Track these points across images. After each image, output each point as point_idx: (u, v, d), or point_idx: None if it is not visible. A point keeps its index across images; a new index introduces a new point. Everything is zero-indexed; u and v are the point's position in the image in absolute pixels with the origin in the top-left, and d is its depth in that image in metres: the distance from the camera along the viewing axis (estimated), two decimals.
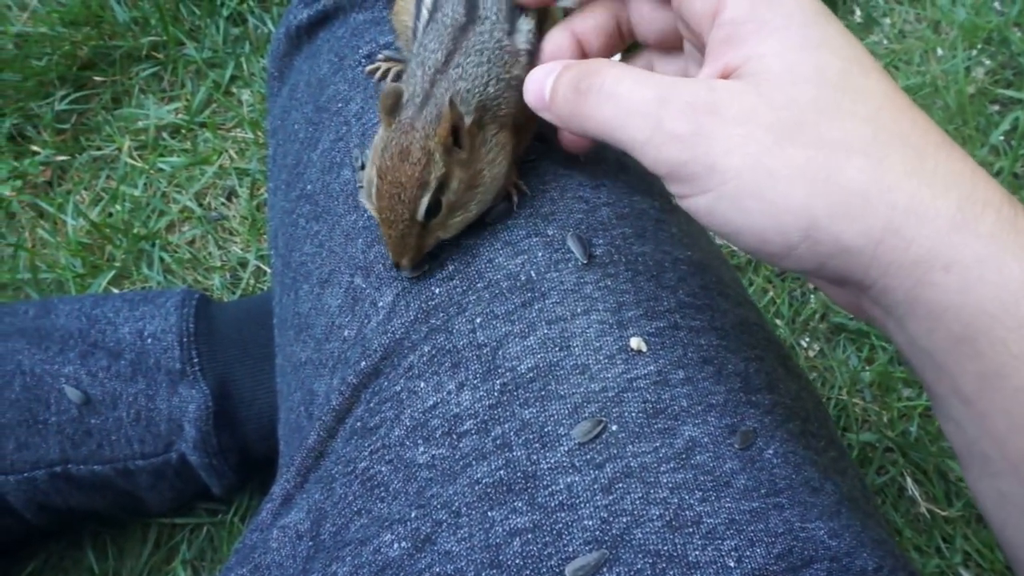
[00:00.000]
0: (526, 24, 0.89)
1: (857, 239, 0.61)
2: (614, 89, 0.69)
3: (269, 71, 1.26)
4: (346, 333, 0.92)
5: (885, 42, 2.05)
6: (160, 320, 1.31)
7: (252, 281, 1.72)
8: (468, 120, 0.82)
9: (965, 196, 0.60)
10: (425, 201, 0.81)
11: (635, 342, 0.82)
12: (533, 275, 0.86)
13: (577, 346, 0.82)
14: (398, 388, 0.85)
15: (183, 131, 1.92)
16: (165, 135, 1.92)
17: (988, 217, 0.59)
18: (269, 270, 1.72)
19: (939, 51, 2.00)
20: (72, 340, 1.28)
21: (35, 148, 1.89)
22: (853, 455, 1.57)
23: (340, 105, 1.04)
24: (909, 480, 1.56)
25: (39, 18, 2.02)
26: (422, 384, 0.84)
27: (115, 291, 1.69)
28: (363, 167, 0.98)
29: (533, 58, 0.88)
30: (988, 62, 1.98)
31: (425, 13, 0.90)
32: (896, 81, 1.91)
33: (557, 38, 0.85)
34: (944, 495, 1.54)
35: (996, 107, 1.93)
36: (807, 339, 1.72)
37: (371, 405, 0.87)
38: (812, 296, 1.75)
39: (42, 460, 1.21)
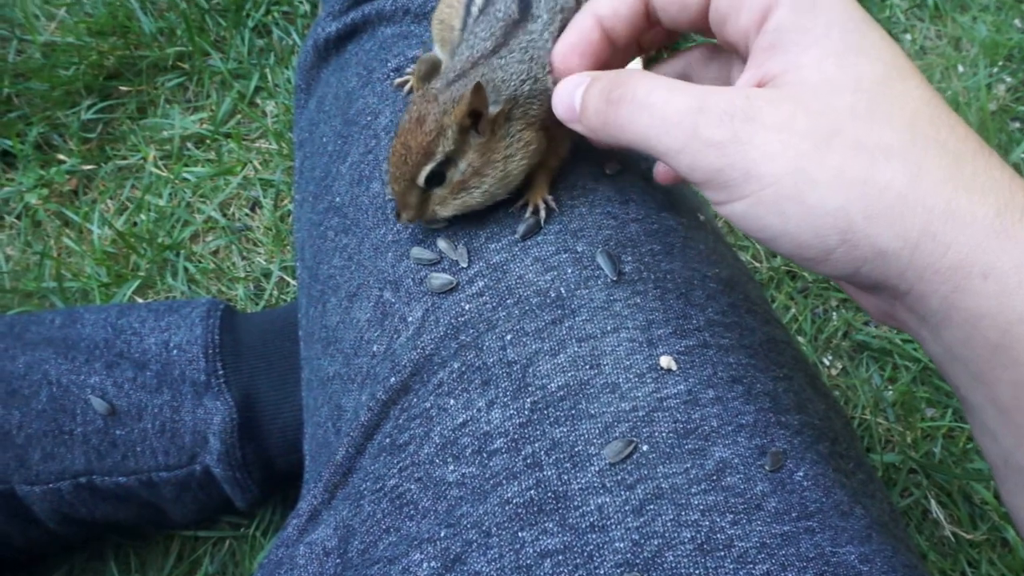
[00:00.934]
0: None
1: (894, 242, 0.60)
2: (647, 99, 0.69)
3: (296, 83, 1.26)
4: (375, 348, 0.91)
5: None
6: (185, 331, 1.30)
7: (276, 292, 1.71)
8: (495, 110, 0.83)
9: (1004, 202, 0.59)
10: (427, 169, 0.83)
11: (665, 360, 0.81)
12: (563, 292, 0.85)
13: (607, 364, 0.82)
14: (428, 405, 0.85)
15: (208, 141, 1.92)
16: (190, 145, 1.92)
17: None
18: (293, 281, 1.72)
19: (960, 68, 1.99)
20: (98, 350, 1.28)
21: (61, 157, 1.89)
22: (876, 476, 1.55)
23: (369, 118, 1.03)
24: (933, 502, 1.54)
25: (66, 28, 2.03)
26: (452, 401, 0.83)
27: (140, 300, 1.69)
28: None
29: None
30: (1009, 79, 1.97)
31: (475, 10, 0.91)
32: None
33: (581, 21, 0.83)
34: (969, 518, 1.52)
35: (1017, 124, 1.92)
36: (829, 357, 1.70)
37: (400, 422, 0.86)
38: (834, 314, 1.73)
39: (67, 471, 1.21)
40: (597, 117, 0.74)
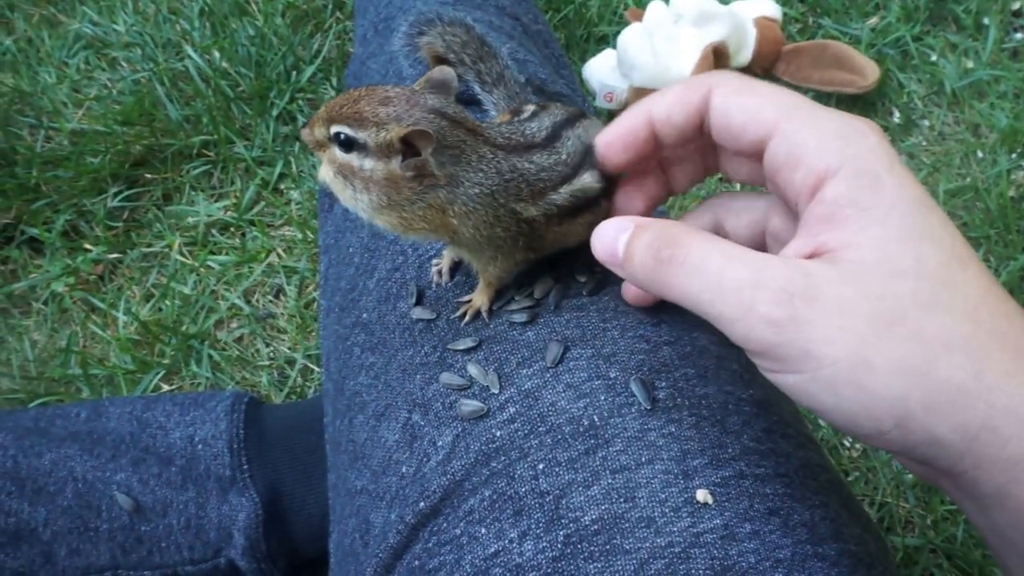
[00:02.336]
0: (589, 179, 0.88)
1: (951, 434, 0.60)
2: (702, 264, 0.67)
3: (321, 187, 1.26)
4: (404, 470, 0.90)
5: (924, 143, 2.04)
6: (210, 425, 1.29)
7: (299, 380, 1.70)
8: (425, 155, 0.79)
9: None
10: (343, 129, 0.80)
11: (701, 495, 0.79)
12: (596, 420, 0.84)
13: (642, 497, 0.80)
14: (458, 532, 0.83)
15: (232, 228, 1.93)
16: (214, 232, 1.93)
17: None
18: (317, 368, 1.71)
19: (979, 154, 1.99)
20: (124, 445, 1.26)
21: (87, 246, 1.89)
22: (897, 557, 1.52)
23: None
24: None
25: (94, 116, 2.05)
26: (483, 530, 0.82)
27: (165, 387, 1.69)
28: (416, 300, 0.97)
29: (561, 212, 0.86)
30: None
31: (529, 111, 0.92)
32: (938, 184, 1.92)
33: (633, 116, 0.81)
34: None
35: None
36: (849, 439, 1.68)
37: (430, 545, 0.84)
38: None
39: (93, 566, 1.19)
40: (644, 271, 0.72)
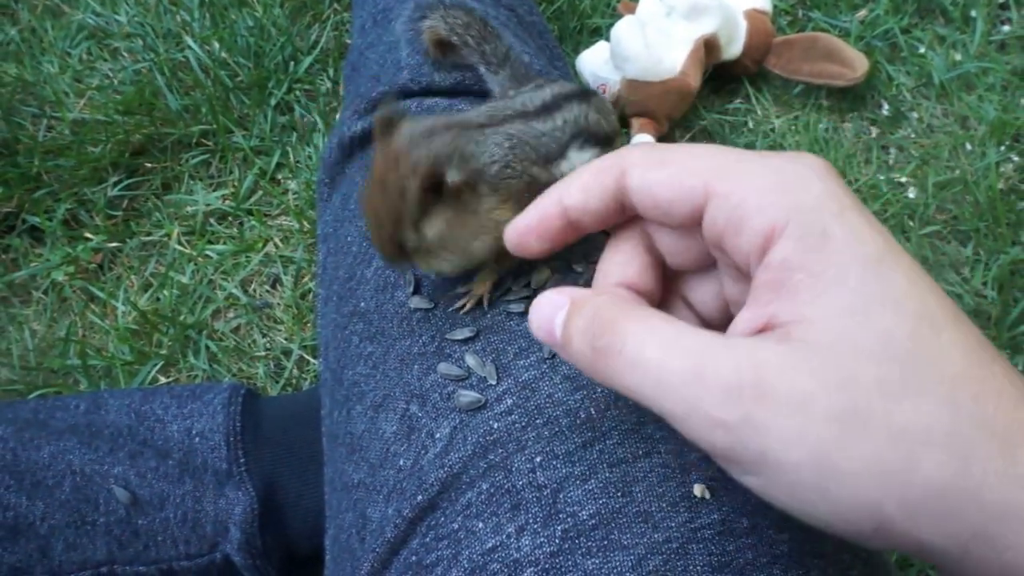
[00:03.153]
0: (583, 156, 0.86)
1: (939, 540, 0.51)
2: (639, 356, 0.57)
3: (320, 177, 1.23)
4: (401, 462, 0.87)
5: (913, 136, 2.01)
6: (208, 419, 1.26)
7: (296, 371, 1.67)
8: (454, 177, 0.76)
9: None
10: (401, 235, 0.77)
11: (698, 489, 0.77)
12: (593, 412, 0.81)
13: (639, 492, 0.77)
14: (455, 526, 0.81)
15: (230, 217, 1.90)
16: (212, 221, 1.90)
17: None
18: (313, 360, 1.68)
19: (968, 146, 1.96)
20: (122, 438, 1.24)
21: (88, 235, 1.86)
22: (893, 558, 1.50)
23: None
24: None
25: (95, 106, 2.02)
26: (480, 524, 0.79)
27: (162, 379, 1.66)
28: (414, 289, 0.95)
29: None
30: (1016, 159, 1.94)
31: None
32: (927, 177, 1.89)
33: (545, 206, 0.70)
34: None
35: None
36: None
37: (427, 540, 0.82)
38: None
39: (88, 561, 1.16)
40: (583, 359, 0.61)
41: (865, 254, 0.54)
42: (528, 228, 0.71)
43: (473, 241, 0.80)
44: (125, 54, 2.17)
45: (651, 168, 0.64)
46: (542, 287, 0.90)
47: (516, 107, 0.85)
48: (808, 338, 0.53)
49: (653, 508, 0.76)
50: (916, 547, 0.52)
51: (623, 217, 0.69)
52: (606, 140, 0.89)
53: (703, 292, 0.71)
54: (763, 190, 0.58)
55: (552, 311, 0.65)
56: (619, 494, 0.77)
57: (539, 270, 0.91)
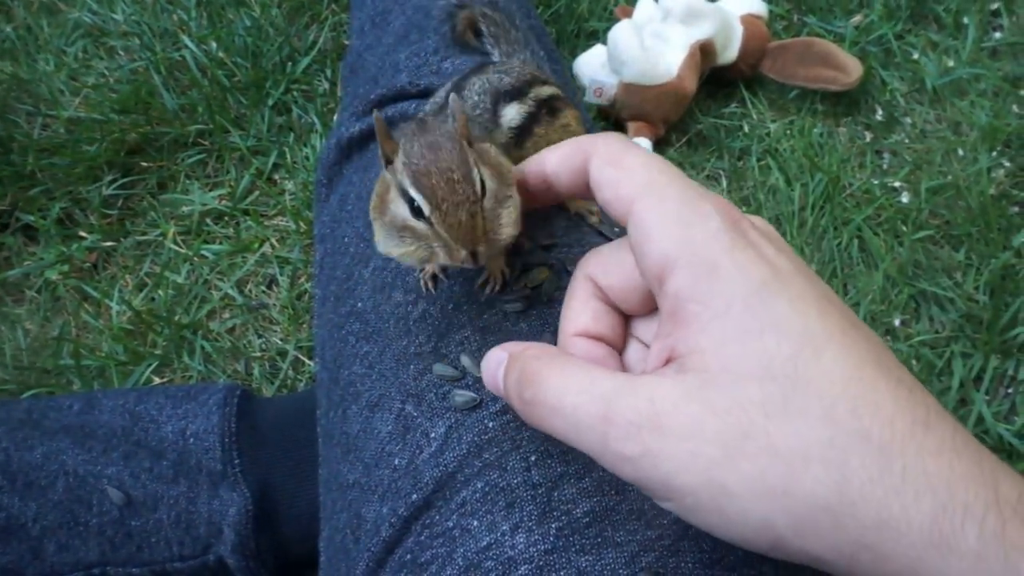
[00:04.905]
0: (511, 111, 0.91)
1: (828, 553, 0.53)
2: (558, 404, 0.61)
3: (318, 178, 1.24)
4: (396, 462, 0.88)
5: (907, 141, 2.02)
6: (202, 419, 1.27)
7: (291, 372, 1.67)
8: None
9: (940, 505, 0.51)
10: (477, 175, 0.74)
11: None
12: None
13: (632, 490, 0.78)
14: (450, 524, 0.81)
15: (226, 218, 1.90)
16: (209, 221, 1.89)
17: (970, 531, 0.50)
18: (308, 361, 1.68)
19: (960, 151, 1.97)
20: (116, 439, 1.24)
21: (82, 233, 1.86)
22: None
23: None
24: None
25: (91, 104, 2.01)
26: (475, 523, 0.80)
27: (156, 380, 1.66)
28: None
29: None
30: (1008, 164, 1.95)
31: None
32: (920, 182, 1.90)
33: (532, 167, 0.78)
34: None
35: (1016, 208, 1.90)
36: None
37: (422, 539, 0.83)
38: None
39: (81, 562, 1.16)
40: (521, 410, 0.66)
41: (750, 281, 0.58)
42: (520, 180, 0.79)
43: (508, 170, 0.80)
44: (121, 52, 2.16)
45: (604, 164, 0.69)
46: (538, 286, 0.90)
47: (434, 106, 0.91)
48: (699, 367, 0.57)
49: (646, 506, 0.77)
50: (811, 560, 0.54)
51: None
52: (517, 91, 0.93)
53: (653, 330, 0.72)
54: (665, 220, 0.62)
55: (495, 367, 0.69)
56: (613, 492, 0.78)
57: (537, 270, 0.92)
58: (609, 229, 0.99)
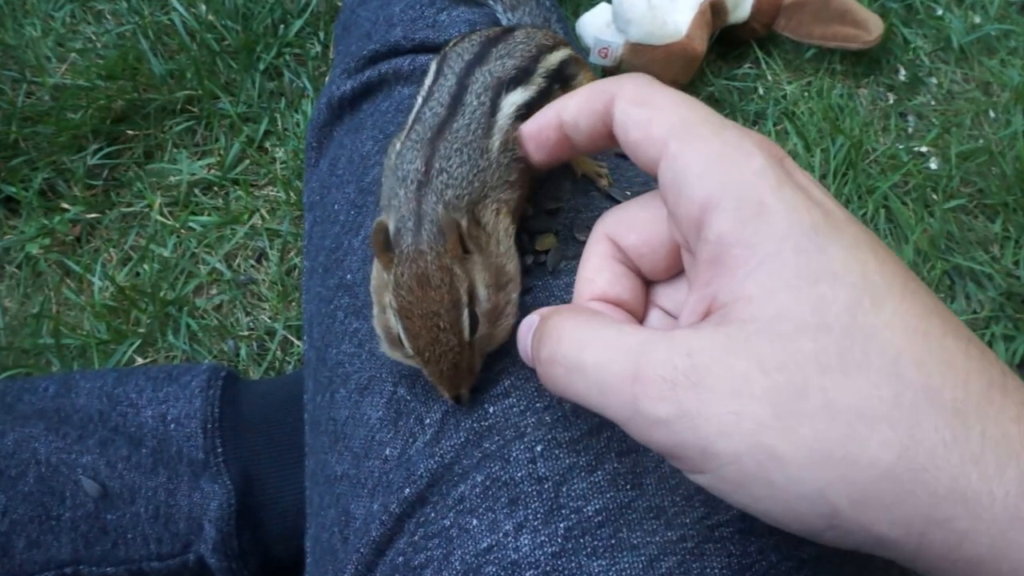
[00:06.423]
0: (515, 97, 0.80)
1: (893, 530, 0.46)
2: (578, 360, 0.55)
3: (307, 141, 1.15)
4: (387, 452, 0.79)
5: (932, 103, 1.92)
6: (184, 403, 1.18)
7: (279, 353, 1.59)
8: (464, 222, 0.71)
9: None
10: (466, 319, 0.69)
11: None
12: None
13: (651, 484, 0.69)
14: (447, 523, 0.72)
15: (215, 188, 1.81)
16: (197, 191, 1.81)
17: None
18: (297, 341, 1.60)
19: (991, 113, 1.87)
20: (92, 424, 1.15)
21: (65, 205, 1.77)
22: None
23: None
24: None
25: (77, 70, 1.93)
26: (475, 521, 0.71)
27: (139, 360, 1.57)
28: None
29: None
30: None
31: (408, 123, 0.80)
32: (949, 147, 1.80)
33: (544, 117, 0.71)
34: None
35: None
36: None
37: (415, 539, 0.74)
38: None
39: (53, 560, 1.07)
40: (540, 375, 0.60)
41: (801, 223, 0.52)
42: (529, 134, 0.72)
43: (512, 259, 0.75)
44: (109, 17, 2.08)
45: (632, 105, 0.62)
46: (546, 252, 0.82)
47: (428, 125, 0.78)
48: (746, 317, 0.51)
49: (666, 503, 0.68)
50: (872, 542, 0.47)
51: (614, 143, 0.65)
52: (523, 73, 0.83)
53: (677, 297, 0.67)
54: (706, 158, 0.56)
55: (526, 332, 0.64)
56: (628, 487, 0.69)
57: (544, 235, 0.83)
58: (620, 193, 0.90)
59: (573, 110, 0.67)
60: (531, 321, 0.64)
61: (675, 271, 0.65)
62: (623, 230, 0.66)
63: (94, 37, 2.04)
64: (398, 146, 0.77)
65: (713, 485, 0.51)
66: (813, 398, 0.47)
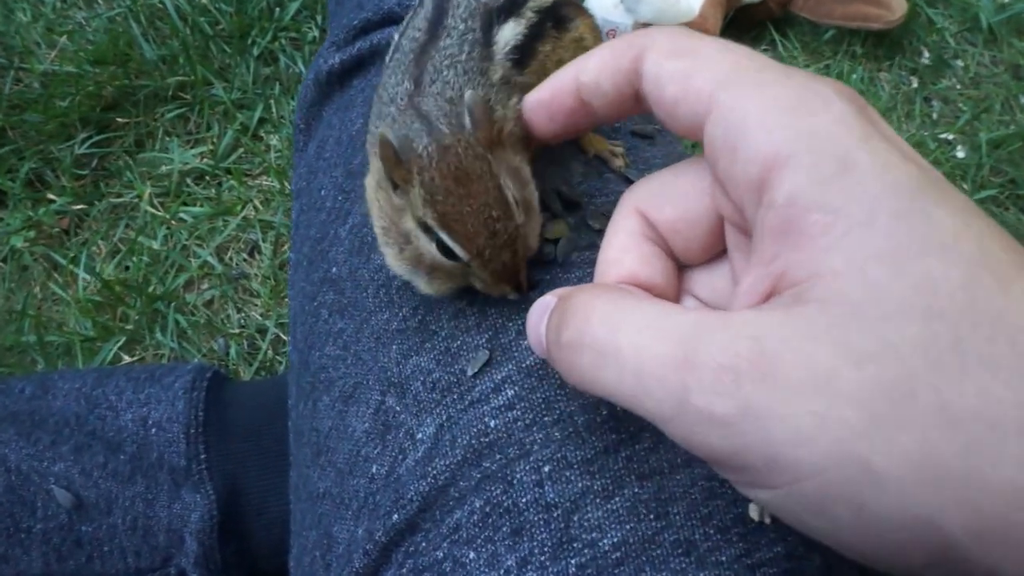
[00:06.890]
0: (508, 32, 0.72)
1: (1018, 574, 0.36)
2: (608, 343, 0.46)
3: (295, 123, 1.06)
4: (374, 469, 0.69)
5: (959, 87, 1.82)
6: (166, 406, 1.09)
7: (270, 352, 1.50)
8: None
9: None
10: (512, 199, 0.62)
11: (755, 510, 0.58)
12: (617, 408, 0.62)
13: (678, 513, 0.59)
14: (440, 555, 0.63)
15: (207, 177, 1.73)
16: (188, 181, 1.73)
17: None
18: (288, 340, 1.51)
19: (1022, 99, 1.76)
20: (67, 429, 1.06)
21: (51, 196, 1.70)
22: None
23: None
24: None
25: (66, 56, 1.87)
26: (472, 554, 0.61)
27: (125, 358, 1.49)
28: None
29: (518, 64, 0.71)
30: None
31: (388, 55, 0.74)
32: (978, 134, 1.69)
33: (560, 80, 0.61)
34: None
35: None
36: None
37: (404, 571, 0.64)
38: None
39: (22, 575, 0.99)
40: (560, 364, 0.51)
41: (898, 186, 0.42)
42: (540, 102, 0.61)
43: (526, 164, 0.68)
44: (100, 1, 2.01)
45: (667, 56, 0.52)
46: (555, 240, 0.73)
47: (408, 50, 0.71)
48: (828, 297, 0.41)
49: (697, 536, 0.58)
50: None
51: (639, 108, 0.57)
52: (512, 3, 0.75)
53: (716, 284, 0.57)
54: (770, 107, 0.46)
55: (540, 315, 0.54)
56: (652, 517, 0.59)
57: (554, 222, 0.74)
58: (638, 174, 0.79)
59: (594, 70, 0.57)
60: (546, 302, 0.55)
61: (712, 253, 0.56)
62: (657, 203, 0.56)
63: (84, 22, 1.97)
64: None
65: (780, 505, 0.42)
66: (922, 399, 0.38)
